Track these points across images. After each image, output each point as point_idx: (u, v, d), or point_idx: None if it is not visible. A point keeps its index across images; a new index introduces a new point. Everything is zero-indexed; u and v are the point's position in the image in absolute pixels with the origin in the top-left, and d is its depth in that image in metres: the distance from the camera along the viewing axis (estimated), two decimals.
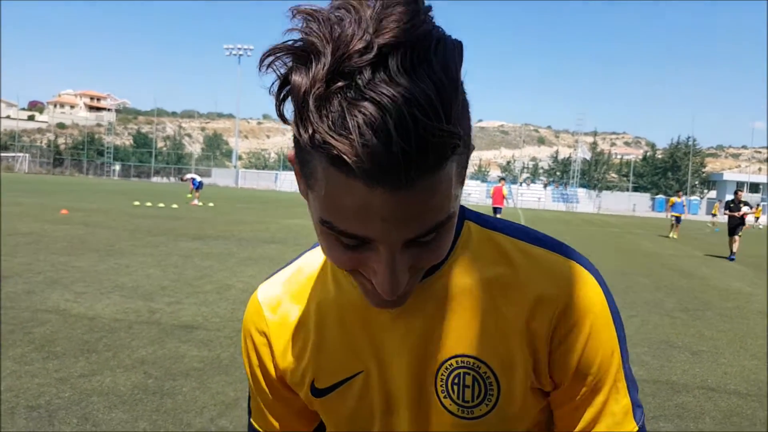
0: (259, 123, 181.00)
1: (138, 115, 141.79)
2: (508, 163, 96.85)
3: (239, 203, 31.32)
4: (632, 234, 25.84)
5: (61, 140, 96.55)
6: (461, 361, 0.77)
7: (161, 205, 24.60)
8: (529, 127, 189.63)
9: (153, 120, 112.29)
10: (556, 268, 0.77)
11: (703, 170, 79.31)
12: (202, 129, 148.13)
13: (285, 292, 0.88)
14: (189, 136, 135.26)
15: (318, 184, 0.58)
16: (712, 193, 72.98)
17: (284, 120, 0.59)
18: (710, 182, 76.86)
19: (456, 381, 0.77)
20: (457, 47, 0.58)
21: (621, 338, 0.79)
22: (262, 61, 0.57)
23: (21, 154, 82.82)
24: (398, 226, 0.58)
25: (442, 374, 0.77)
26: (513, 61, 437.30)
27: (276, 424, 0.94)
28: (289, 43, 0.56)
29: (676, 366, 5.46)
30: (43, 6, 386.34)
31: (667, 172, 76.44)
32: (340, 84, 0.53)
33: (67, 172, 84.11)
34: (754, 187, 73.06)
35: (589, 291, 0.76)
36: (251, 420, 0.98)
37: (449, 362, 0.77)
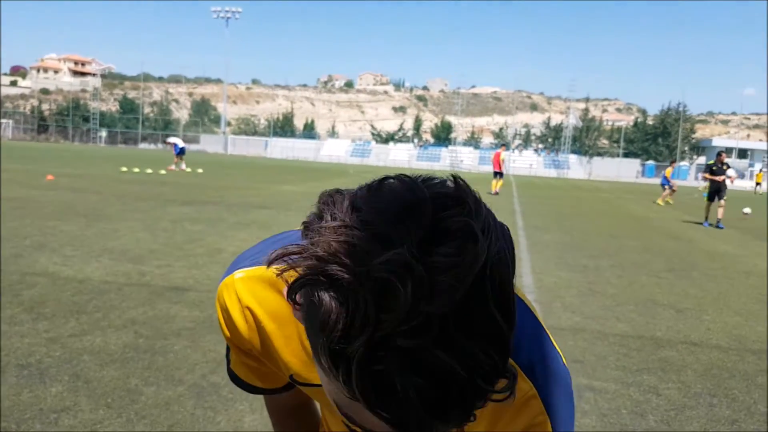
0: (248, 88, 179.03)
1: (124, 81, 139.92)
2: (501, 129, 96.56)
3: (229, 169, 31.18)
4: (622, 199, 26.02)
5: (45, 106, 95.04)
6: None
7: (149, 171, 24.45)
8: (522, 94, 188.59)
9: (139, 85, 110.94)
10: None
11: (693, 136, 79.42)
12: (190, 94, 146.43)
13: (267, 294, 0.85)
14: (176, 101, 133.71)
15: (330, 389, 0.54)
16: (702, 159, 73.21)
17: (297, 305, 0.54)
18: (700, 148, 77.05)
19: None
20: (508, 250, 0.51)
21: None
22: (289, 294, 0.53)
23: (4, 121, 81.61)
24: None
25: None
26: (506, 26, 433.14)
27: (254, 376, 0.97)
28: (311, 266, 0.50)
29: (660, 323, 5.56)
30: None
31: (658, 138, 76.47)
32: (380, 352, 0.46)
33: (52, 138, 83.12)
34: (743, 153, 73.36)
35: (537, 413, 0.74)
36: (230, 366, 1.00)
37: None
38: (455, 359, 0.45)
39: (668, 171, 26.03)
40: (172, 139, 29.64)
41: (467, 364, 0.45)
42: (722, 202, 15.14)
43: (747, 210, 21.17)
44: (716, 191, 15.37)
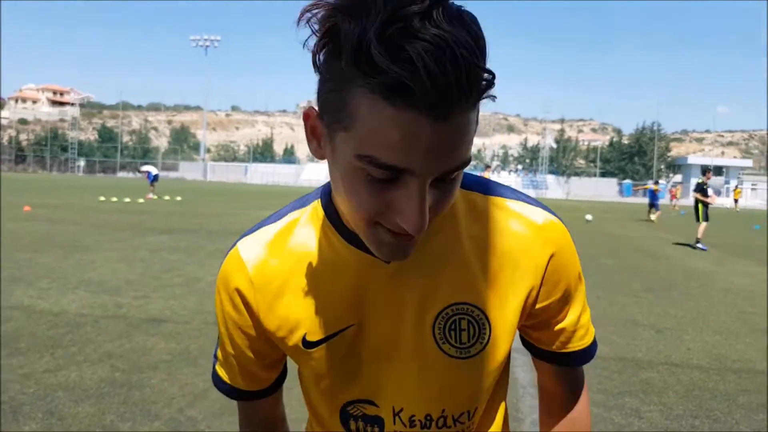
0: (227, 115, 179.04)
1: (102, 109, 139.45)
2: (479, 151, 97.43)
3: (208, 196, 31.04)
4: (600, 218, 26.18)
5: (23, 136, 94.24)
6: (456, 309, 0.86)
7: (127, 200, 24.26)
8: (499, 116, 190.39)
9: (118, 114, 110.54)
10: (540, 222, 0.88)
11: (669, 155, 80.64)
12: (169, 122, 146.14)
13: (272, 250, 0.89)
14: (155, 129, 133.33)
15: (359, 121, 0.64)
16: (678, 177, 74.26)
17: (318, 69, 0.68)
18: (676, 166, 78.18)
19: (453, 326, 0.86)
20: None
21: (580, 265, 0.95)
22: (302, 15, 0.66)
23: None
24: (438, 156, 0.64)
25: (439, 322, 0.86)
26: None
27: (240, 376, 0.98)
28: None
29: (641, 344, 5.57)
30: None
31: (634, 157, 77.49)
32: (397, 26, 0.59)
33: (30, 169, 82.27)
34: (718, 170, 74.56)
35: (567, 238, 0.91)
36: (216, 367, 1.01)
37: (446, 311, 0.86)
38: (448, 34, 0.59)
39: (656, 189, 26.62)
40: (145, 168, 29.38)
41: (453, 38, 0.59)
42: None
43: (588, 217, 22.52)
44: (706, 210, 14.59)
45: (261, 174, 75.84)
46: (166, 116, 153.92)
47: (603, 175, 76.40)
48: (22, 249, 9.66)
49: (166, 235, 12.35)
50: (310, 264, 0.88)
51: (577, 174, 77.82)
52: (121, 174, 79.66)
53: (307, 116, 0.75)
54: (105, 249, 10.08)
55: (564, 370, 1.00)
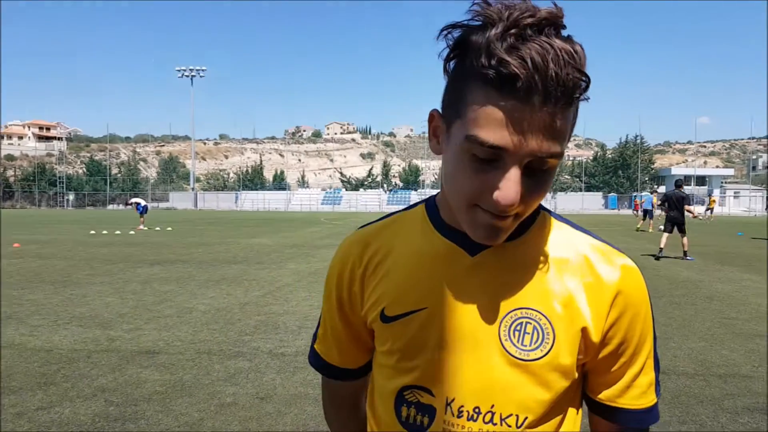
0: (216, 143, 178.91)
1: (90, 143, 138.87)
2: None
3: (199, 225, 30.99)
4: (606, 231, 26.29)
5: (9, 173, 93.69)
6: (524, 312, 0.93)
7: (118, 232, 24.22)
8: None
9: (106, 146, 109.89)
10: (618, 261, 0.96)
11: (652, 167, 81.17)
12: (158, 153, 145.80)
13: (377, 235, 1.07)
14: (144, 161, 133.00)
15: (472, 108, 0.80)
16: (662, 188, 74.76)
17: (447, 74, 0.86)
18: (659, 177, 78.73)
19: (518, 328, 0.93)
20: None
21: (654, 327, 0.99)
22: (441, 32, 0.83)
23: None
24: (533, 140, 0.78)
25: (506, 321, 0.93)
26: None
27: (335, 350, 1.14)
28: (464, 21, 0.81)
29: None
30: None
31: (618, 170, 77.93)
32: (513, 31, 0.75)
33: (18, 204, 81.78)
34: (701, 180, 75.19)
35: (639, 283, 0.96)
36: (314, 346, 1.18)
37: (514, 312, 0.93)
38: (554, 43, 0.75)
39: (655, 199, 27.04)
40: (133, 200, 29.20)
41: (558, 46, 0.75)
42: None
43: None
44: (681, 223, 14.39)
45: (252, 201, 75.77)
46: (154, 147, 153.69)
47: (588, 189, 76.81)
48: (12, 286, 9.66)
49: (158, 267, 12.37)
50: (403, 249, 1.02)
51: (563, 189, 78.17)
52: (111, 207, 79.31)
53: (431, 117, 0.93)
54: (96, 283, 10.10)
55: (615, 430, 0.99)
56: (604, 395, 0.98)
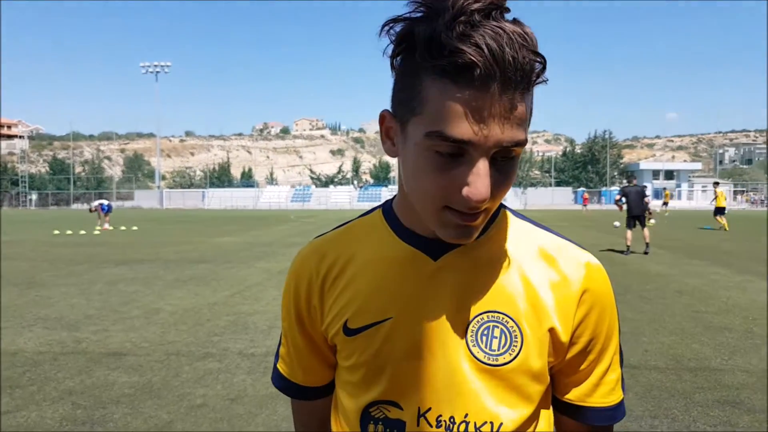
0: (181, 140, 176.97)
1: (53, 141, 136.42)
2: None
3: (165, 224, 30.56)
4: (556, 226, 26.60)
5: None
6: (491, 316, 0.90)
7: (83, 232, 23.73)
8: None
9: (69, 145, 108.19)
10: (582, 258, 0.94)
11: (621, 161, 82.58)
12: (122, 150, 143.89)
13: (334, 244, 1.01)
14: (108, 158, 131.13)
15: (429, 103, 0.76)
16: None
17: (395, 70, 0.82)
18: (628, 172, 79.99)
19: (485, 332, 0.90)
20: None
21: (618, 321, 0.97)
22: (383, 27, 0.79)
23: None
24: (498, 130, 0.74)
25: (473, 326, 0.90)
26: None
27: (299, 369, 1.07)
28: (406, 14, 0.77)
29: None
30: None
31: (587, 165, 79.15)
32: (462, 18, 0.71)
33: None
34: (669, 174, 76.57)
35: (604, 280, 0.94)
36: (277, 365, 1.11)
37: (481, 316, 0.90)
38: (505, 26, 0.72)
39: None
40: (96, 203, 28.55)
41: (510, 30, 0.72)
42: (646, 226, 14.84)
43: (616, 223, 22.86)
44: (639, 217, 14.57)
45: (219, 199, 75.05)
46: (118, 145, 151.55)
47: (558, 184, 77.80)
48: None
49: (124, 267, 12.14)
50: (363, 257, 0.97)
51: (533, 185, 79.09)
52: (75, 206, 77.79)
53: (382, 118, 0.88)
54: (61, 284, 9.87)
55: (583, 430, 0.98)
56: (573, 395, 0.96)
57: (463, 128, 0.73)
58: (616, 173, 78.75)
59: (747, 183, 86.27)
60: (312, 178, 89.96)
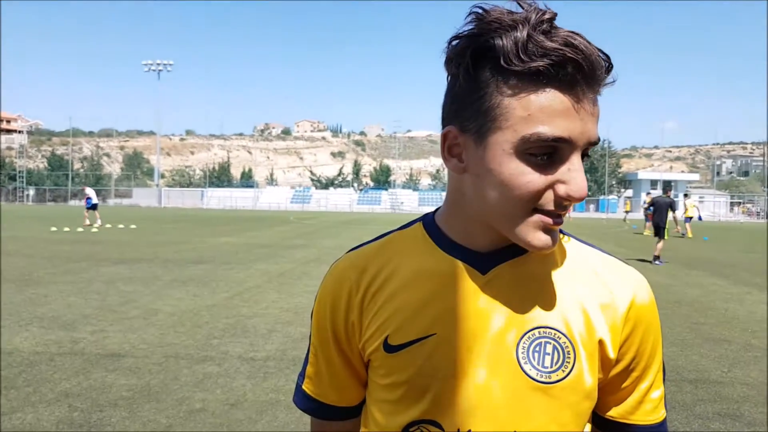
0: (182, 139, 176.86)
1: (52, 136, 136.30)
2: (438, 171, 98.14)
3: (163, 224, 30.49)
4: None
5: None
6: (543, 332, 0.88)
7: (80, 229, 23.69)
8: (432, 137, 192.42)
9: (68, 141, 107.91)
10: (629, 274, 0.95)
11: (619, 170, 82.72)
12: (121, 148, 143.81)
13: (374, 257, 0.98)
14: (108, 155, 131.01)
15: (518, 109, 0.78)
16: (629, 192, 76.09)
17: (457, 88, 0.83)
18: (626, 182, 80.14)
19: (537, 349, 0.87)
20: None
21: (661, 338, 0.97)
22: (448, 45, 0.83)
23: None
24: (589, 126, 0.79)
25: (524, 342, 0.88)
26: (437, 72, 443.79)
27: (330, 388, 1.03)
28: (466, 31, 0.81)
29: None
30: None
31: (586, 173, 79.07)
32: (543, 27, 0.76)
33: None
34: (667, 185, 76.38)
35: (649, 296, 0.94)
36: (302, 387, 1.06)
37: (533, 332, 0.88)
38: (575, 34, 0.77)
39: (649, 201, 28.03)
40: (88, 191, 28.28)
41: (580, 37, 0.76)
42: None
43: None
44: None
45: (218, 199, 74.92)
46: (118, 142, 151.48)
47: None
48: None
49: (122, 266, 12.10)
50: (404, 270, 0.94)
51: None
52: (72, 202, 77.58)
53: (445, 136, 0.87)
54: (58, 282, 9.83)
55: None
56: (616, 412, 0.94)
57: (561, 126, 0.76)
58: (614, 182, 78.86)
59: (744, 195, 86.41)
60: (312, 179, 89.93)
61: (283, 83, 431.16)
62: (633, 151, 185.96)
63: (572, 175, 0.79)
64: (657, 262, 14.18)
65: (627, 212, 44.02)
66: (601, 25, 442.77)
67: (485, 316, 0.88)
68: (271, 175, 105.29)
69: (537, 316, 0.88)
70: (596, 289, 0.91)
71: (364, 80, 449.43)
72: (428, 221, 0.99)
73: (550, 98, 0.76)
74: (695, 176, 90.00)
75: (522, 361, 0.87)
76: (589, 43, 0.76)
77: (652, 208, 14.93)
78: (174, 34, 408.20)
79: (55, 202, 78.99)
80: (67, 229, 23.59)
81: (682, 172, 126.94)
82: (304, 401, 1.06)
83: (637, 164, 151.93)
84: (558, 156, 0.79)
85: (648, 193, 31.93)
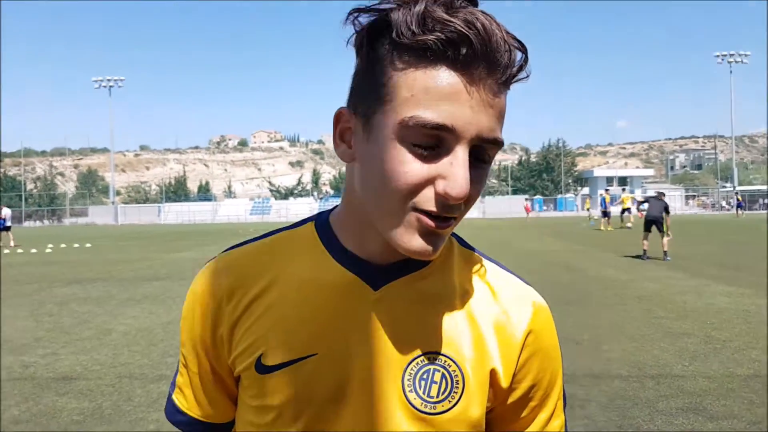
0: (136, 155, 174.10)
1: (3, 157, 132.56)
2: None
3: (120, 241, 29.82)
4: (514, 235, 26.87)
5: None
6: (433, 358, 0.80)
7: (34, 250, 22.98)
8: None
9: (20, 161, 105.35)
10: (528, 296, 0.87)
11: (575, 169, 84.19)
12: (75, 166, 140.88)
13: (253, 261, 0.86)
14: (62, 174, 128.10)
15: (404, 87, 0.68)
16: (585, 190, 77.50)
17: (362, 55, 0.74)
18: (583, 179, 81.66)
19: (425, 376, 0.79)
20: None
21: (562, 363, 0.91)
22: (349, 15, 0.72)
23: None
24: (480, 113, 0.67)
25: (411, 368, 0.79)
26: None
27: (198, 403, 0.91)
28: (374, 5, 0.71)
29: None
30: None
31: (542, 173, 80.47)
32: (440, 3, 0.67)
33: None
34: (623, 181, 78.24)
35: (549, 321, 0.88)
36: (173, 396, 0.93)
37: (421, 358, 0.80)
38: (482, 11, 0.68)
39: (607, 198, 29.47)
40: (5, 212, 27.33)
41: (485, 15, 0.67)
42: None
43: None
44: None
45: (175, 213, 73.83)
46: (72, 160, 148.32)
47: (515, 192, 78.80)
48: None
49: (76, 286, 11.74)
50: (286, 279, 0.83)
51: (490, 193, 79.92)
52: (27, 223, 75.57)
53: (338, 117, 0.77)
54: (9, 305, 9.46)
55: None
56: None
57: (446, 112, 0.66)
58: (570, 180, 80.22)
59: (698, 188, 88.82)
60: (271, 190, 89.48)
61: (237, 94, 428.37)
62: (588, 149, 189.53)
63: (453, 170, 0.67)
64: (666, 258, 14.11)
65: (588, 209, 44.84)
66: (547, 25, 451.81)
67: (373, 337, 0.80)
68: (229, 187, 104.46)
69: (428, 341, 0.80)
70: (493, 311, 0.84)
71: (322, 87, 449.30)
72: (321, 222, 0.88)
73: (437, 78, 0.66)
74: (650, 171, 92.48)
75: (407, 389, 0.79)
76: (499, 25, 0.67)
77: (645, 205, 15.44)
78: (123, 48, 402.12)
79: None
80: (20, 251, 22.88)
81: (637, 168, 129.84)
82: (173, 414, 0.93)
83: (593, 162, 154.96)
84: (444, 148, 0.68)
85: (606, 190, 32.36)
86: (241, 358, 0.82)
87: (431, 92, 0.66)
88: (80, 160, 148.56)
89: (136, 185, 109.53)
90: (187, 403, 0.91)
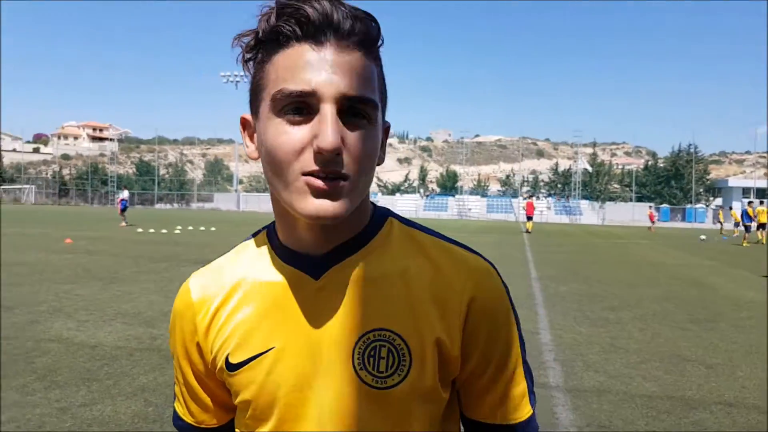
0: None
1: (140, 144, 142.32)
2: (508, 176, 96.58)
3: (241, 226, 31.24)
4: (637, 245, 25.60)
5: (65, 171, 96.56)
6: (378, 335, 0.84)
7: (164, 231, 24.57)
8: (527, 140, 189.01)
9: (155, 148, 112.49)
10: (470, 264, 0.89)
11: (707, 177, 78.68)
12: (203, 155, 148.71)
13: (215, 276, 0.94)
14: (191, 162, 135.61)
15: (271, 74, 0.78)
16: (718, 200, 72.56)
17: (247, 68, 0.83)
18: (716, 189, 76.27)
19: (372, 353, 0.83)
20: None
21: (519, 330, 0.92)
22: (235, 40, 0.83)
23: (27, 186, 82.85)
24: (338, 75, 0.75)
25: (360, 347, 0.84)
26: (508, 74, 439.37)
27: (194, 410, 0.99)
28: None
29: (690, 381, 5.27)
30: (46, 41, 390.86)
31: (671, 180, 75.77)
32: (291, 4, 0.77)
33: (73, 202, 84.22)
34: (761, 193, 72.51)
35: (495, 285, 0.89)
36: (174, 404, 1.04)
37: (367, 336, 0.84)
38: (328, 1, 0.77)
39: (749, 211, 27.90)
40: (120, 195, 29.10)
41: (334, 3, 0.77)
42: None
43: (702, 237, 21.55)
44: None
45: None
46: (200, 149, 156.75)
47: (639, 199, 74.70)
48: (62, 281, 9.80)
49: (201, 265, 12.29)
50: (246, 284, 0.91)
51: (612, 199, 76.35)
52: (158, 206, 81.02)
53: (243, 122, 0.88)
54: (141, 280, 10.18)
55: None
56: (477, 414, 0.91)
57: (304, 79, 0.75)
58: (701, 190, 75.14)
59: None
60: (379, 185, 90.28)
61: None
62: (722, 156, 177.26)
63: (321, 126, 0.74)
64: None
65: (737, 224, 41.79)
66: (678, 25, 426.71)
67: (322, 323, 0.85)
68: None
69: (371, 319, 0.84)
70: (433, 282, 0.87)
71: (431, 86, 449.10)
72: (270, 228, 0.95)
73: (293, 54, 0.76)
74: None
75: (358, 368, 0.83)
76: (341, 2, 0.77)
77: None
78: None
79: (143, 205, 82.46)
80: (152, 230, 24.53)
81: None
82: (176, 420, 1.03)
83: (727, 170, 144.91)
84: (314, 113, 0.76)
85: (750, 203, 30.07)
86: (215, 361, 0.90)
87: (290, 67, 0.76)
88: (208, 150, 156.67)
89: (257, 175, 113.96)
90: (182, 408, 1.01)
